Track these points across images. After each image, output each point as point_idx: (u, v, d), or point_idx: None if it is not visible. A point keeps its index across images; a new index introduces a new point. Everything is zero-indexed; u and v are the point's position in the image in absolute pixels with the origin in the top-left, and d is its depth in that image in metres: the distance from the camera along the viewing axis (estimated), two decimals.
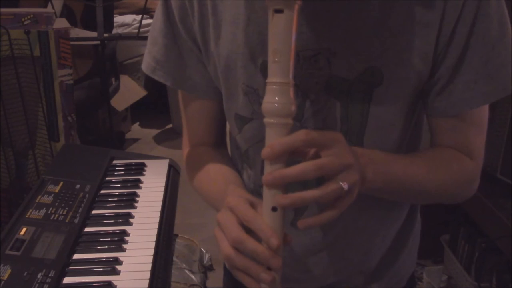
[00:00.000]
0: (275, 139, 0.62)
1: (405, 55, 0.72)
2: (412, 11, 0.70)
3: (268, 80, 0.62)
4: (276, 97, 0.62)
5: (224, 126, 0.93)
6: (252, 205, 0.67)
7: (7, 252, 0.96)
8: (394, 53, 0.72)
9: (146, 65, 0.87)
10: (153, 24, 0.85)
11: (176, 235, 2.39)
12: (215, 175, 0.86)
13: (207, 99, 0.87)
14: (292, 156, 0.64)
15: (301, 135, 0.62)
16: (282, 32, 0.61)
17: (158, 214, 1.15)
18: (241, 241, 0.63)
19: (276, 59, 0.61)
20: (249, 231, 0.64)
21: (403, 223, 0.93)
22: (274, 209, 0.63)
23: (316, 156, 0.64)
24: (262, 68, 0.76)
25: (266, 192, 0.64)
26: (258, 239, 0.63)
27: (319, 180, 0.64)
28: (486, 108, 0.79)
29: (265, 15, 0.72)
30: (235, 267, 0.65)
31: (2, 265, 0.92)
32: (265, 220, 0.63)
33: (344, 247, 0.88)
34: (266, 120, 0.63)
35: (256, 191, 0.88)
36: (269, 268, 0.63)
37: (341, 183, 0.63)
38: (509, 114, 1.69)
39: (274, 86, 0.62)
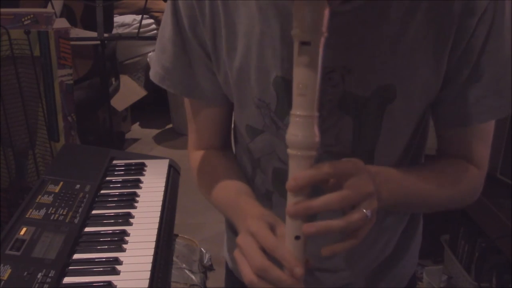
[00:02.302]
0: (298, 171, 0.63)
1: (419, 72, 0.73)
2: (427, 29, 0.70)
3: (293, 112, 0.63)
4: (300, 130, 0.62)
5: (230, 128, 0.93)
6: (272, 228, 0.67)
7: (7, 252, 0.96)
8: (409, 70, 0.72)
9: (154, 74, 0.85)
10: (161, 30, 0.83)
11: (176, 235, 2.38)
12: (225, 181, 0.86)
13: (215, 106, 0.87)
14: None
15: (325, 168, 0.63)
16: (309, 65, 0.61)
17: (158, 214, 1.15)
18: (265, 269, 0.63)
19: (302, 93, 0.62)
20: (270, 255, 0.65)
21: (406, 227, 0.93)
22: (297, 237, 0.64)
23: (337, 184, 0.65)
24: (275, 83, 0.76)
25: (289, 221, 0.64)
26: (278, 263, 0.64)
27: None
28: (492, 121, 0.80)
29: (279, 30, 0.72)
30: None
31: (2, 265, 0.92)
32: (288, 247, 0.64)
33: (348, 253, 0.88)
34: (289, 151, 0.63)
35: (267, 196, 0.88)
36: None
37: (365, 212, 0.63)
38: (509, 114, 1.69)
39: (298, 119, 0.62)
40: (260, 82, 0.77)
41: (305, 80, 0.61)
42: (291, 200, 0.64)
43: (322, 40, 0.61)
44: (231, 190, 0.83)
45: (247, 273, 0.65)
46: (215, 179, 0.87)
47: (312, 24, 0.60)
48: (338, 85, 0.74)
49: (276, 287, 0.64)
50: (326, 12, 0.60)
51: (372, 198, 0.65)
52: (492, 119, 0.79)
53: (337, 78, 0.73)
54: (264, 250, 0.65)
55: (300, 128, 0.62)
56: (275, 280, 0.63)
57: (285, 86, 0.75)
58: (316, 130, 0.63)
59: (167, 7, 0.81)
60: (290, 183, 0.63)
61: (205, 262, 2.38)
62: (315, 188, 0.64)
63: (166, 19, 0.81)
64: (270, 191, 0.88)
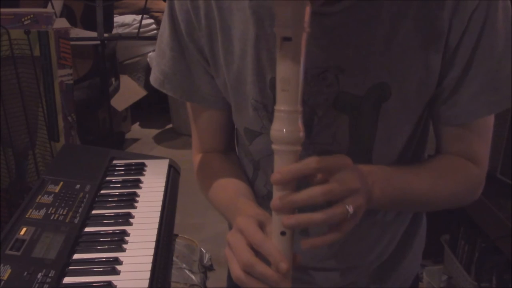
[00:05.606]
0: (283, 166, 0.63)
1: (413, 69, 0.73)
2: (420, 26, 0.71)
3: (276, 107, 0.63)
4: (284, 125, 0.62)
5: (233, 132, 0.94)
6: (261, 225, 0.67)
7: (7, 252, 0.96)
8: (402, 68, 0.72)
9: (154, 78, 0.86)
10: (160, 36, 0.84)
11: (176, 235, 2.38)
12: (226, 183, 0.87)
13: (216, 109, 0.87)
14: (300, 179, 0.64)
15: (311, 163, 0.63)
16: (291, 61, 0.61)
17: (158, 214, 1.15)
18: (251, 265, 0.64)
19: (285, 88, 0.62)
20: (258, 251, 0.65)
21: (408, 227, 0.93)
22: (283, 233, 0.64)
23: (324, 179, 0.65)
24: (271, 84, 0.76)
25: (275, 216, 0.64)
26: (267, 260, 0.64)
27: (329, 203, 0.65)
28: (491, 116, 0.80)
29: (274, 33, 0.73)
30: None
31: (2, 265, 0.92)
32: (274, 243, 0.64)
33: (348, 252, 0.89)
34: (274, 147, 0.64)
35: (269, 197, 0.88)
36: None
37: (347, 207, 0.63)
38: (509, 114, 1.69)
39: (282, 114, 0.62)
40: (257, 84, 0.77)
41: (287, 75, 0.61)
42: (276, 194, 0.64)
43: (304, 35, 0.61)
44: (230, 192, 0.84)
45: (234, 269, 0.65)
46: (216, 182, 0.87)
47: (293, 20, 0.60)
48: (333, 85, 0.74)
49: (263, 284, 0.64)
50: (308, 9, 0.60)
51: (357, 195, 0.65)
52: (488, 115, 0.78)
53: (331, 78, 0.73)
54: (253, 247, 0.65)
55: (284, 123, 0.62)
56: (261, 275, 0.63)
57: None
58: (300, 125, 0.63)
59: (165, 11, 0.81)
60: (275, 176, 0.63)
61: (205, 262, 2.38)
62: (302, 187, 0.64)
63: (164, 23, 0.82)
64: (271, 192, 0.88)
